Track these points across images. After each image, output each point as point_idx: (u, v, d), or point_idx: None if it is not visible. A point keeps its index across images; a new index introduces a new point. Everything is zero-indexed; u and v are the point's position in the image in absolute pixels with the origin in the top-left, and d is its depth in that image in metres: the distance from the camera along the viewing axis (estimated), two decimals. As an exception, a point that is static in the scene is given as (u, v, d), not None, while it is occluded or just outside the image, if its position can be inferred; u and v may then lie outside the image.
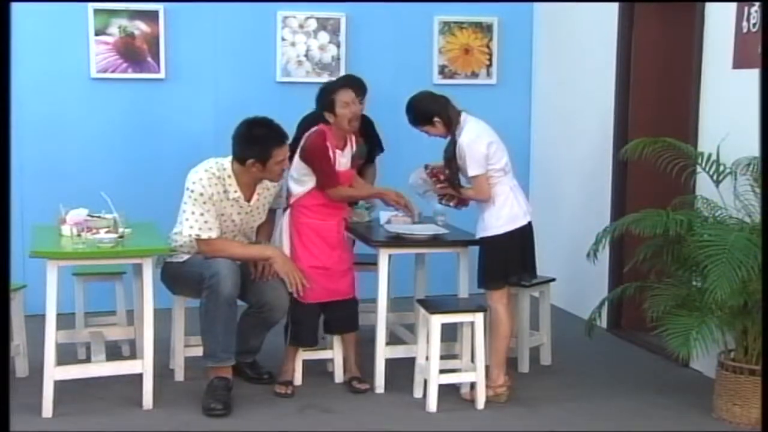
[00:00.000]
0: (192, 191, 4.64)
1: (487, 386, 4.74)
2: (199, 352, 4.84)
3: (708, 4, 5.17)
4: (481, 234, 4.77)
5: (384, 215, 5.24)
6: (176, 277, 4.83)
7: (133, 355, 5.19)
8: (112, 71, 6.37)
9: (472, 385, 4.75)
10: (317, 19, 6.67)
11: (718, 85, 5.10)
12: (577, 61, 6.58)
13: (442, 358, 4.69)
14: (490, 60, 7.04)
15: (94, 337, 5.20)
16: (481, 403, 4.70)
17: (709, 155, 4.72)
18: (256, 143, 4.61)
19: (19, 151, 6.12)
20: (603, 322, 5.46)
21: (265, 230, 5.01)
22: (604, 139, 6.12)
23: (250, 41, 6.61)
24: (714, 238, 4.23)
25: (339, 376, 5.07)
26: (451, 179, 4.76)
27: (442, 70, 6.94)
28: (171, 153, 6.35)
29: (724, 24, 4.98)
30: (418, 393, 4.83)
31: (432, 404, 4.64)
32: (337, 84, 5.09)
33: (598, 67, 6.22)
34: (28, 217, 6.00)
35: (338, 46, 6.72)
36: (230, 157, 4.71)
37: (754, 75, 4.68)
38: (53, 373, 4.50)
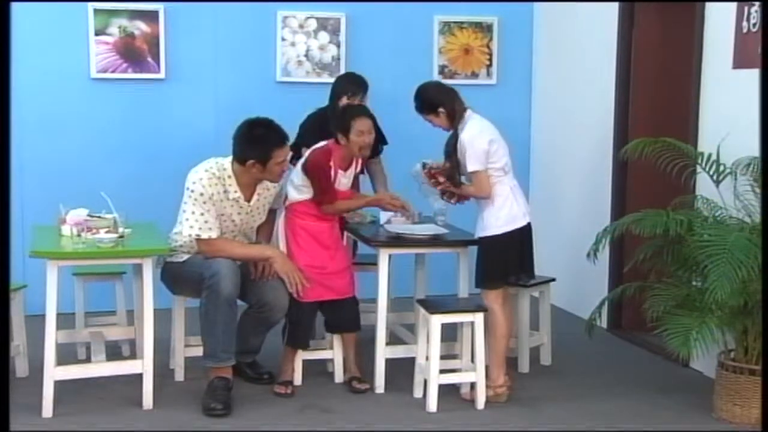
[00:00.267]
0: (192, 191, 4.64)
1: (487, 386, 4.74)
2: (199, 352, 4.84)
3: (708, 4, 5.17)
4: (480, 234, 4.77)
5: (384, 215, 5.25)
6: (176, 277, 4.83)
7: (133, 355, 5.19)
8: (112, 71, 6.37)
9: (472, 385, 4.75)
10: (317, 19, 6.67)
11: (718, 85, 5.10)
12: (577, 61, 6.57)
13: (442, 358, 4.69)
14: (490, 60, 7.04)
15: (94, 337, 5.20)
16: (481, 403, 4.70)
17: (709, 155, 4.71)
18: (256, 144, 4.60)
19: (19, 151, 6.12)
20: (603, 322, 5.46)
21: (265, 230, 5.01)
22: (604, 139, 6.12)
23: (250, 41, 6.61)
24: (714, 238, 4.22)
25: (339, 376, 5.07)
26: (451, 178, 4.76)
27: (442, 70, 6.93)
28: (171, 153, 6.34)
29: (724, 24, 4.98)
30: (418, 393, 4.83)
31: (432, 404, 4.64)
32: (354, 112, 4.88)
33: (598, 67, 6.22)
34: (28, 217, 6.00)
35: (338, 46, 6.71)
36: (230, 158, 4.71)
37: (754, 75, 4.68)
38: (53, 373, 4.49)
